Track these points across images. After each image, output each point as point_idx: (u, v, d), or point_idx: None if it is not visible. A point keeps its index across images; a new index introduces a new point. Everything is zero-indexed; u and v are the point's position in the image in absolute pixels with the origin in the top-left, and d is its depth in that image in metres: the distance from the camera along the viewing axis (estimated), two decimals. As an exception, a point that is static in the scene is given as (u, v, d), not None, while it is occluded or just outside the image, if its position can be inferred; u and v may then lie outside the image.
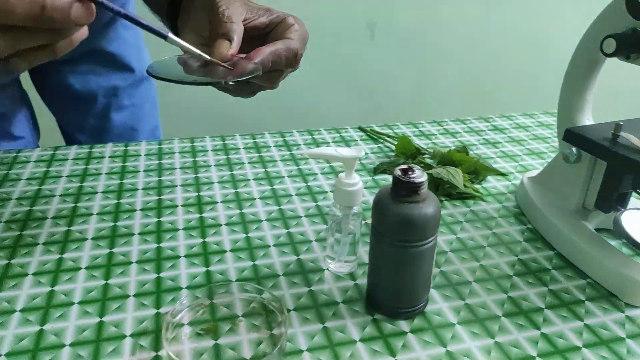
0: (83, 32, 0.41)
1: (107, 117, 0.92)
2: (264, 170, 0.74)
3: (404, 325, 0.48)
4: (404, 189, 0.43)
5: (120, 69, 0.87)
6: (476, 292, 0.53)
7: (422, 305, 0.49)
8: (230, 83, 0.47)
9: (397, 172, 0.44)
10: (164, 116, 1.03)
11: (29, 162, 0.73)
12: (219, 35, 0.50)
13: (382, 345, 0.46)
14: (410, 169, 0.44)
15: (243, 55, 0.50)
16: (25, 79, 0.87)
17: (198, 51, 0.47)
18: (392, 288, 0.47)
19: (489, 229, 0.63)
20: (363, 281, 0.53)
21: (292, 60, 0.52)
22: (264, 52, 0.49)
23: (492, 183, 0.74)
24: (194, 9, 0.55)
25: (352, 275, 0.54)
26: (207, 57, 0.48)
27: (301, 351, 0.45)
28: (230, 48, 0.49)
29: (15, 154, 0.75)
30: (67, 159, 0.74)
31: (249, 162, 0.76)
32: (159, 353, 0.44)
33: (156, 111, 1.00)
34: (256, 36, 0.54)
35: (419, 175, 0.44)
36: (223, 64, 0.49)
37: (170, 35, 0.44)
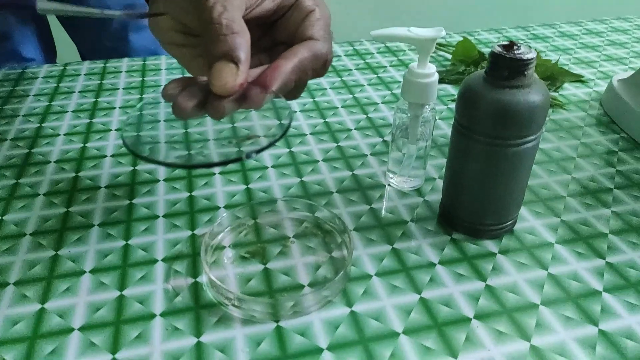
0: None
1: (125, 39, 0.82)
2: (302, 82, 0.64)
3: (490, 245, 0.39)
4: (506, 69, 0.33)
5: None
6: (573, 208, 0.43)
7: (510, 223, 0.40)
8: (253, 157, 0.31)
9: (497, 48, 0.34)
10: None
11: (37, 78, 0.65)
12: (217, 54, 0.31)
13: (467, 268, 0.37)
14: (514, 44, 0.34)
15: (253, 75, 0.33)
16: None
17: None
18: (478, 200, 0.38)
19: (576, 138, 0.53)
20: (433, 197, 0.44)
21: (319, 70, 0.36)
22: (284, 73, 0.33)
23: (571, 90, 0.63)
24: None
25: (419, 192, 0.45)
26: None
27: (369, 276, 0.37)
28: (237, 75, 0.31)
29: (21, 71, 0.66)
30: (79, 74, 0.65)
31: (284, 75, 0.66)
32: (198, 279, 0.36)
33: None
34: (258, 25, 0.37)
35: (526, 52, 0.33)
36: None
37: (40, 3, 0.28)
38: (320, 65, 0.36)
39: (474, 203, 0.38)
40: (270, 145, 0.31)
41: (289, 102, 0.35)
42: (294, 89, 0.36)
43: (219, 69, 0.31)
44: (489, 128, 0.35)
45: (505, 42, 0.34)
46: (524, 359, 0.31)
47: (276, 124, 0.34)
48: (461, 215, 0.40)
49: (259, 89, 0.32)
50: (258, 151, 0.31)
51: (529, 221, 0.42)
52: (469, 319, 0.33)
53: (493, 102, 0.34)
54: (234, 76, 0.31)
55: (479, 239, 0.40)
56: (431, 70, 0.40)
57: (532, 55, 0.33)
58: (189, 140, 0.41)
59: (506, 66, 0.33)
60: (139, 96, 0.60)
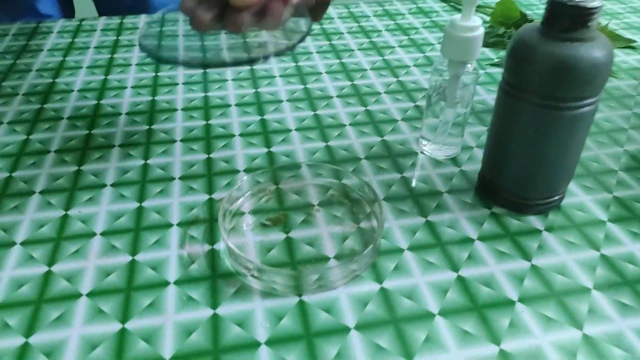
0: None
1: None
2: (328, 42, 0.60)
3: (535, 221, 0.36)
4: (567, 19, 0.29)
5: None
6: (626, 183, 0.39)
7: (558, 198, 0.36)
8: (272, 58, 0.33)
9: (558, -7, 0.29)
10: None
11: (52, 32, 0.62)
12: None
13: (509, 246, 0.34)
14: (579, -12, 0.29)
15: None
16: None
17: None
18: (525, 170, 0.34)
19: (627, 108, 0.49)
20: (471, 167, 0.41)
21: None
22: None
23: (620, 57, 0.58)
24: None
25: (454, 160, 0.42)
26: None
27: (401, 250, 0.33)
28: None
29: (35, 25, 0.64)
30: (95, 30, 0.62)
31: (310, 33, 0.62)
32: (215, 247, 0.34)
33: None
34: None
35: (590, 0, 0.29)
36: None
37: None
38: None
39: (520, 173, 0.35)
40: (288, 49, 0.32)
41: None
42: (316, 8, 0.34)
43: None
44: (544, 87, 0.31)
45: (568, -10, 0.30)
46: (576, 350, 0.27)
47: (295, 33, 0.34)
48: (504, 187, 0.36)
49: (280, 2, 0.30)
50: (276, 54, 0.32)
51: (578, 196, 0.38)
52: (513, 302, 0.30)
53: (550, 56, 0.30)
54: None
55: (523, 214, 0.36)
56: (476, 23, 0.36)
57: (597, 3, 0.29)
58: (207, 41, 0.40)
59: (567, 15, 0.29)
60: (157, 53, 0.57)
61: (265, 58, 0.31)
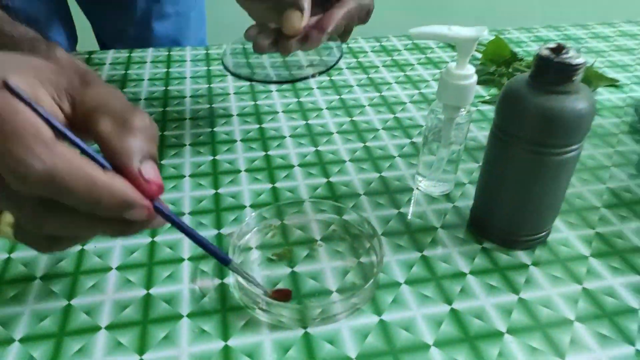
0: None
1: (148, 27, 0.82)
2: (329, 78, 0.63)
3: (522, 256, 0.38)
4: (553, 74, 0.32)
5: None
6: (608, 220, 0.42)
7: (545, 234, 0.39)
8: (318, 76, 0.43)
9: (544, 51, 0.33)
10: (212, 29, 0.91)
11: (63, 66, 0.64)
12: (287, 3, 0.41)
13: (499, 280, 0.36)
14: (563, 47, 0.32)
15: (312, 22, 0.43)
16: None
17: (260, 289, 0.33)
18: (514, 209, 0.37)
19: (610, 146, 0.52)
20: (463, 203, 0.43)
21: (364, 18, 0.45)
22: (336, 18, 0.42)
23: (604, 95, 0.61)
24: None
25: (448, 197, 0.44)
26: (262, 290, 0.33)
27: (398, 284, 0.36)
28: (302, 20, 0.41)
29: (47, 59, 0.66)
30: (104, 64, 0.65)
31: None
32: (225, 280, 0.36)
33: (203, 23, 0.88)
34: None
35: (575, 56, 0.32)
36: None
37: (234, 263, 0.32)
38: (364, 14, 0.44)
39: (510, 212, 0.37)
40: (329, 68, 0.43)
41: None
42: (343, 34, 0.45)
43: (289, 15, 0.40)
44: (533, 135, 0.33)
45: (553, 45, 0.33)
46: (559, 379, 0.30)
47: (330, 56, 0.45)
48: (494, 224, 0.39)
49: (317, 31, 0.41)
50: (321, 72, 0.43)
51: (563, 232, 0.41)
52: (502, 333, 0.32)
53: (538, 107, 0.33)
54: (299, 20, 0.40)
55: (512, 249, 0.39)
56: (470, 72, 0.39)
57: (581, 60, 0.32)
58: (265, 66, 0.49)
59: (554, 71, 0.32)
60: (164, 88, 0.60)
61: (313, 76, 0.43)
